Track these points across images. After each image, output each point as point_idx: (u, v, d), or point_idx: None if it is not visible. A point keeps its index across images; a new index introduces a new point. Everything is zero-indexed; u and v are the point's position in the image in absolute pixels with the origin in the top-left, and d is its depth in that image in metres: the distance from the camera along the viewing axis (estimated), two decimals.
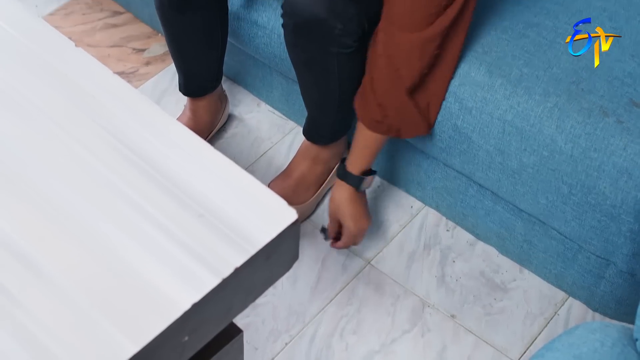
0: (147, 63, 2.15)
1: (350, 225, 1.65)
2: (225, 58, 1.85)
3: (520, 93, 1.49)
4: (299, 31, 1.51)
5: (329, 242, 1.74)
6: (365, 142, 1.60)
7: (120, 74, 2.10)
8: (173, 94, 2.05)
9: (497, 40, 1.56)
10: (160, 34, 2.20)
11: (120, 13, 2.28)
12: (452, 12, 1.41)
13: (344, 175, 1.64)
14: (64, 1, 2.30)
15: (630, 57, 1.51)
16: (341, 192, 1.64)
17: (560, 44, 1.54)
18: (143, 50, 2.18)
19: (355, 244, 1.70)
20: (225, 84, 1.96)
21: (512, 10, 1.61)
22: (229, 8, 1.76)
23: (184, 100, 1.92)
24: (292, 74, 1.68)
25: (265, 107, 2.04)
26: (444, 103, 1.55)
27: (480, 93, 1.51)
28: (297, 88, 1.73)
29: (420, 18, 1.40)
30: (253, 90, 2.05)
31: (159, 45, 2.19)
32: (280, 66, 1.78)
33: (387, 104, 1.51)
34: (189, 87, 1.85)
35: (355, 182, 1.62)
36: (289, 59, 1.63)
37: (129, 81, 2.08)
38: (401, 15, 1.41)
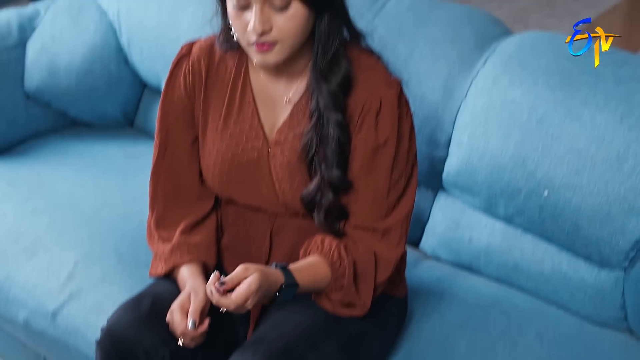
0: None
1: (254, 294, 1.48)
2: None
3: None
4: None
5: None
6: (315, 268, 1.61)
7: None
8: None
9: None
10: None
11: None
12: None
13: (288, 272, 1.56)
14: None
15: None
16: (276, 276, 1.54)
17: None
18: None
19: (235, 303, 1.48)
20: None
21: None
22: None
23: None
24: None
25: None
26: None
27: None
28: None
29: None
30: None
31: None
32: None
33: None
34: None
35: (292, 282, 1.55)
36: None
37: None
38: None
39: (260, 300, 1.52)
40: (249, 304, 1.49)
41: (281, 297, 1.56)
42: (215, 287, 1.49)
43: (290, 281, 1.56)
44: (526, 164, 1.89)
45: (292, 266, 1.60)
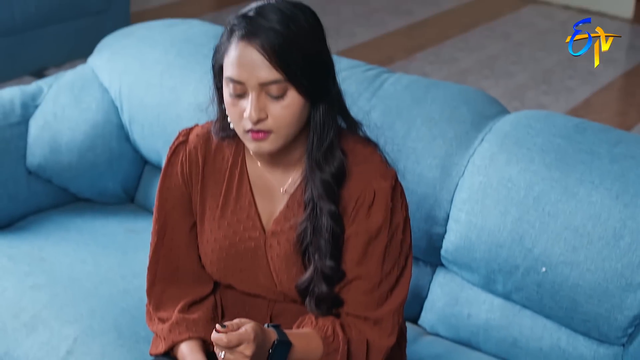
0: None
1: (248, 341, 1.49)
2: None
3: None
4: None
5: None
6: (308, 338, 1.62)
7: None
8: None
9: None
10: None
11: None
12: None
13: (280, 330, 1.58)
14: None
15: None
16: (270, 333, 1.56)
17: None
18: None
19: (228, 339, 1.49)
20: None
21: None
22: None
23: None
24: None
25: None
26: None
27: None
28: None
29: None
30: None
31: None
32: None
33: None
34: None
35: (284, 339, 1.57)
36: None
37: None
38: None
39: (255, 355, 1.51)
40: (244, 350, 1.49)
41: (274, 354, 1.55)
42: (216, 328, 1.50)
43: (283, 338, 1.57)
44: (524, 241, 1.92)
45: (285, 330, 1.60)
